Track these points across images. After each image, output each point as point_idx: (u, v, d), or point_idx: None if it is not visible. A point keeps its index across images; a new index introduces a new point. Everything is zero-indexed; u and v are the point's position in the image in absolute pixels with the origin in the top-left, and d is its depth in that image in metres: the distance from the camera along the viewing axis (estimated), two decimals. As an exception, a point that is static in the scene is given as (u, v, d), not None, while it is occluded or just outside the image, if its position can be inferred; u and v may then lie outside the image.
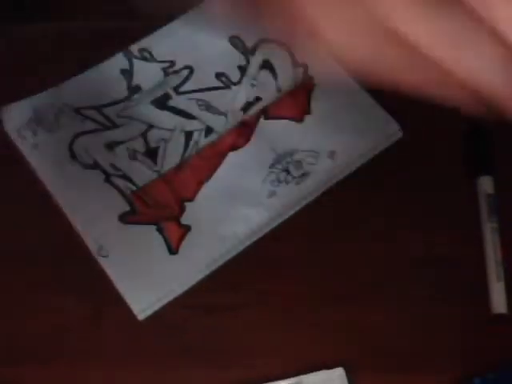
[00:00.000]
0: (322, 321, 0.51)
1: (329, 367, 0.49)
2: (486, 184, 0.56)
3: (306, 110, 0.58)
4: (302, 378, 0.49)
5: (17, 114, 0.57)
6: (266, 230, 0.54)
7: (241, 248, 0.53)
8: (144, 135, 0.57)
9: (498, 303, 0.52)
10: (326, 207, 0.55)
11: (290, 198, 0.55)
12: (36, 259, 0.53)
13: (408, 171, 0.56)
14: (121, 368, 0.50)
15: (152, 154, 0.56)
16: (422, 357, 0.50)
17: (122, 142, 0.57)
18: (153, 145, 0.57)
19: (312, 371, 0.49)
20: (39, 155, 0.56)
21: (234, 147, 0.57)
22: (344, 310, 0.51)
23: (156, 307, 0.51)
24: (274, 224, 0.54)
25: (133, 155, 0.56)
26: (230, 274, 0.53)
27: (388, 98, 0.58)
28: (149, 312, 0.51)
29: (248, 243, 0.53)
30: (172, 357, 0.50)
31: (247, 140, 0.57)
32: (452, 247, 0.54)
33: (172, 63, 0.60)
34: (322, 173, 0.56)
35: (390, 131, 0.57)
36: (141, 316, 0.51)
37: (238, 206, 0.55)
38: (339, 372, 0.49)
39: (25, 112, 0.57)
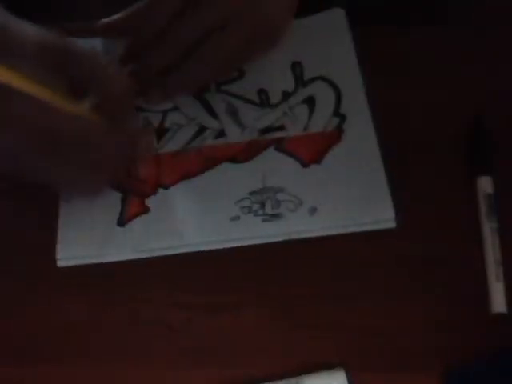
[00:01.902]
0: (322, 321, 0.51)
1: (329, 367, 0.49)
2: (485, 184, 0.56)
3: (318, 160, 0.56)
4: (302, 378, 0.49)
5: None
6: (206, 247, 0.54)
7: (175, 252, 0.53)
8: (165, 113, 0.59)
9: (498, 303, 0.52)
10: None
11: (251, 230, 0.54)
12: (37, 259, 0.53)
13: (408, 171, 0.56)
14: (121, 368, 0.50)
15: (161, 133, 0.58)
16: (422, 357, 0.50)
17: (143, 110, 0.59)
18: (166, 125, 0.58)
19: (312, 371, 0.49)
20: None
21: (232, 160, 0.57)
22: (344, 310, 0.51)
23: (79, 262, 0.53)
24: (218, 246, 0.54)
25: (145, 126, 0.58)
26: (230, 275, 0.53)
27: (387, 99, 0.59)
28: (70, 263, 0.53)
29: (185, 251, 0.53)
30: (172, 357, 0.50)
31: (247, 159, 0.57)
32: (452, 247, 0.54)
33: None
34: (293, 223, 0.54)
35: (383, 217, 0.54)
36: (60, 263, 0.52)
37: (199, 215, 0.55)
38: (339, 372, 0.49)
39: None
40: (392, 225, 0.54)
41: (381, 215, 0.54)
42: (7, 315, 0.51)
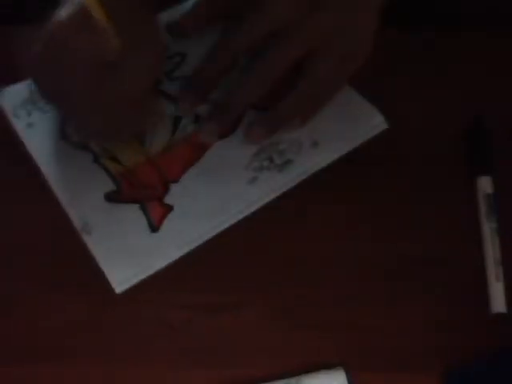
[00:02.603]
0: (322, 321, 0.51)
1: (329, 367, 0.49)
2: (485, 184, 0.56)
3: None
4: (302, 378, 0.49)
5: (13, 96, 0.60)
6: (246, 213, 0.55)
7: (218, 230, 0.54)
8: None
9: (498, 302, 0.52)
10: (326, 208, 0.55)
11: (271, 184, 0.56)
12: (37, 259, 0.53)
13: (408, 171, 0.56)
14: (121, 368, 0.50)
15: (140, 136, 0.58)
16: (422, 357, 0.50)
17: None
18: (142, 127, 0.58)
19: (312, 371, 0.49)
20: (32, 134, 0.58)
21: (221, 135, 0.58)
22: (344, 309, 0.52)
23: (134, 281, 0.52)
24: (253, 208, 0.55)
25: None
26: (231, 274, 0.53)
27: (388, 99, 0.59)
28: (126, 286, 0.52)
29: (225, 226, 0.54)
30: (172, 357, 0.50)
31: (234, 129, 0.58)
32: (451, 247, 0.54)
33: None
34: (305, 161, 0.57)
35: (374, 122, 0.58)
36: (118, 289, 0.52)
37: (219, 191, 0.56)
38: (339, 372, 0.49)
39: (21, 93, 0.59)
40: (384, 126, 0.58)
41: (371, 121, 0.58)
42: (7, 315, 0.51)
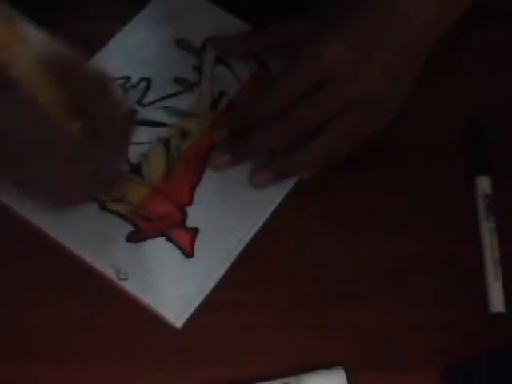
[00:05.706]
0: (322, 321, 0.51)
1: (329, 367, 0.49)
2: (484, 184, 0.56)
3: None
4: (301, 378, 0.49)
5: None
6: (265, 217, 0.54)
7: (252, 234, 0.54)
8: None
9: (496, 302, 0.52)
10: (326, 208, 0.56)
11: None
12: (36, 259, 0.53)
13: (407, 171, 0.57)
14: (120, 368, 0.50)
15: (137, 170, 0.56)
16: (422, 356, 0.50)
17: None
18: (135, 161, 0.56)
19: (312, 371, 0.49)
20: (28, 202, 0.54)
21: (214, 145, 0.57)
22: (344, 309, 0.52)
23: (190, 311, 0.51)
24: (271, 210, 0.55)
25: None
26: (230, 274, 0.53)
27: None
28: (185, 317, 0.51)
29: (256, 229, 0.54)
30: (172, 357, 0.50)
31: None
32: (450, 247, 0.54)
33: (127, 78, 0.59)
34: None
35: None
36: (178, 323, 0.51)
37: (235, 201, 0.55)
38: (339, 371, 0.49)
39: None
40: None
41: None
42: (7, 315, 0.51)
